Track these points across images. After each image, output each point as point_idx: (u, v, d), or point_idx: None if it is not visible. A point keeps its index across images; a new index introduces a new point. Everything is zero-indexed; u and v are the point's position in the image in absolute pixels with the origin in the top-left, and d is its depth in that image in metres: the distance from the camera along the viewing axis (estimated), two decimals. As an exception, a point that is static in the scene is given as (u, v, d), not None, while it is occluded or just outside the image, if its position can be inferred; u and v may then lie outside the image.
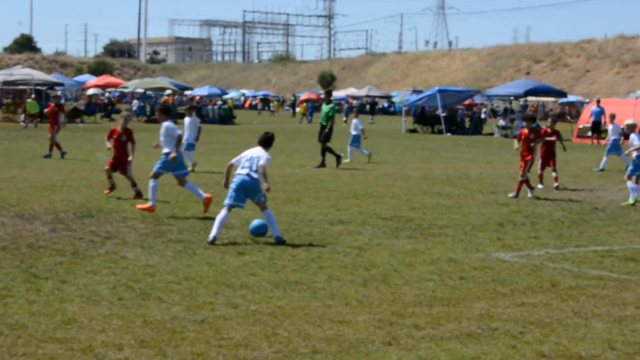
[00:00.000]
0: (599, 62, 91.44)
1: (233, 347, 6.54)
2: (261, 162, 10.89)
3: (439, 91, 48.13)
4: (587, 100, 67.34)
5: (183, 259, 9.80)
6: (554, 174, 18.45)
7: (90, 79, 77.86)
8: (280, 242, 10.85)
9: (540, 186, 18.03)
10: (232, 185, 11.02)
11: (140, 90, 61.14)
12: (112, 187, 14.98)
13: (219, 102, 64.90)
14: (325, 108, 23.34)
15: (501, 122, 47.84)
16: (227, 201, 11.02)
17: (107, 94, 70.84)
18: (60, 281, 8.51)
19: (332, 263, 9.85)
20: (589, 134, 40.36)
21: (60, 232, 11.27)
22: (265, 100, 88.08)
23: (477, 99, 64.56)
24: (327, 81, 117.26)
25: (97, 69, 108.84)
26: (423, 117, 50.75)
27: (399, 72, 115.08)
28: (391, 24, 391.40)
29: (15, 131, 36.46)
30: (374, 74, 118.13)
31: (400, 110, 60.77)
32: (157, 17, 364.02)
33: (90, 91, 69.55)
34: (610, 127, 24.21)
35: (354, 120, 25.56)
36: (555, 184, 18.29)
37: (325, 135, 22.88)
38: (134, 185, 14.74)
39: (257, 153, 11.03)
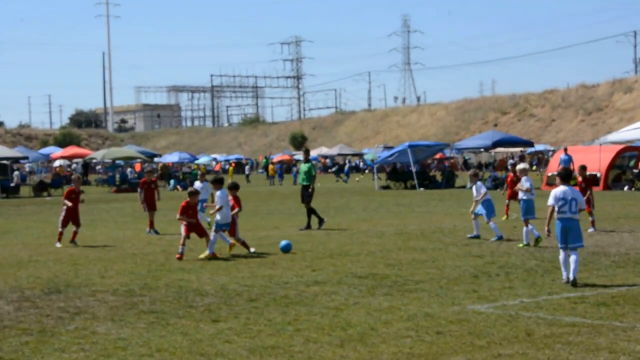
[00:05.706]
0: (563, 111, 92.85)
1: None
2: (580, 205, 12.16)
3: (410, 146, 48.42)
4: (552, 148, 68.06)
5: (156, 330, 9.60)
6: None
7: (56, 151, 77.41)
8: (574, 284, 11.87)
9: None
10: (557, 230, 12.26)
11: (109, 160, 60.93)
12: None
13: (186, 169, 65.00)
14: (304, 167, 22.81)
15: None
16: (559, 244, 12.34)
17: (73, 166, 70.44)
18: (28, 361, 8.29)
19: (309, 325, 9.71)
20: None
21: (27, 310, 10.99)
22: (239, 164, 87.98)
23: (447, 153, 65.13)
24: (299, 142, 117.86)
25: (64, 140, 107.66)
26: (395, 173, 50.98)
27: (369, 130, 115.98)
28: (359, 82, 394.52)
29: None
30: (344, 132, 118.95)
31: (373, 167, 61.08)
32: (123, 85, 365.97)
33: (57, 163, 69.10)
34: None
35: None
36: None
37: (308, 196, 22.50)
38: None
39: (570, 193, 12.16)
